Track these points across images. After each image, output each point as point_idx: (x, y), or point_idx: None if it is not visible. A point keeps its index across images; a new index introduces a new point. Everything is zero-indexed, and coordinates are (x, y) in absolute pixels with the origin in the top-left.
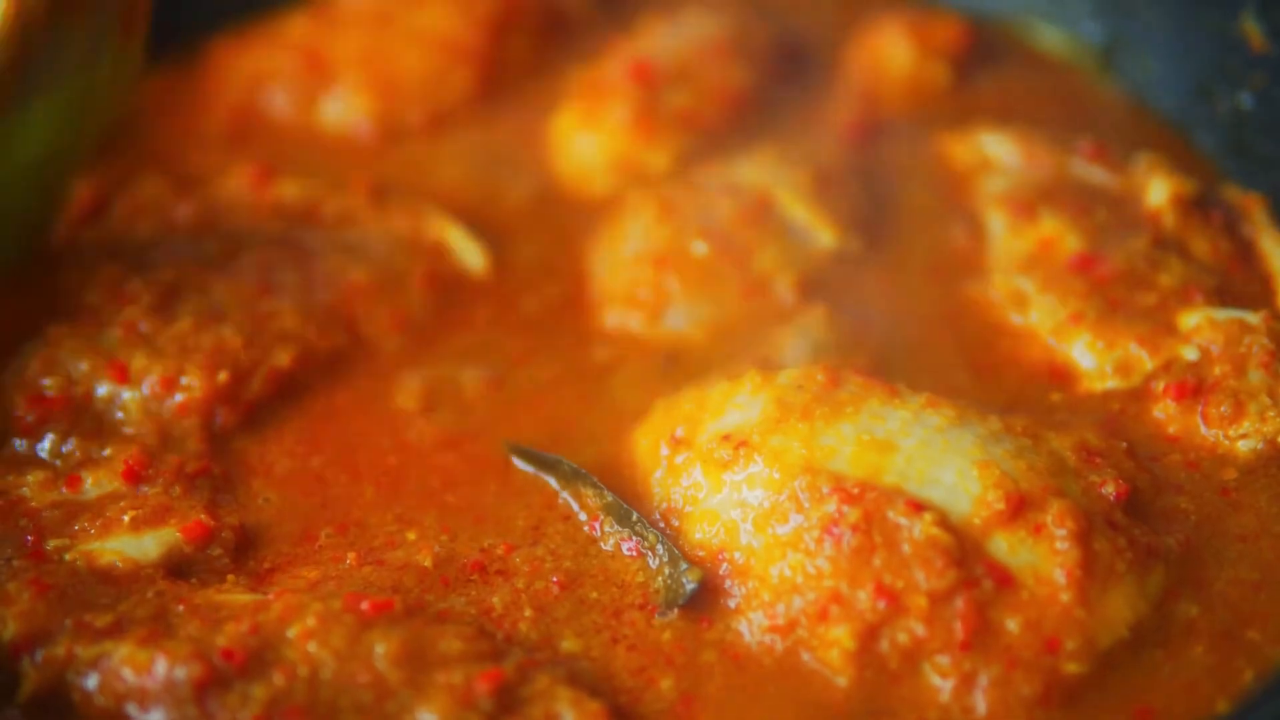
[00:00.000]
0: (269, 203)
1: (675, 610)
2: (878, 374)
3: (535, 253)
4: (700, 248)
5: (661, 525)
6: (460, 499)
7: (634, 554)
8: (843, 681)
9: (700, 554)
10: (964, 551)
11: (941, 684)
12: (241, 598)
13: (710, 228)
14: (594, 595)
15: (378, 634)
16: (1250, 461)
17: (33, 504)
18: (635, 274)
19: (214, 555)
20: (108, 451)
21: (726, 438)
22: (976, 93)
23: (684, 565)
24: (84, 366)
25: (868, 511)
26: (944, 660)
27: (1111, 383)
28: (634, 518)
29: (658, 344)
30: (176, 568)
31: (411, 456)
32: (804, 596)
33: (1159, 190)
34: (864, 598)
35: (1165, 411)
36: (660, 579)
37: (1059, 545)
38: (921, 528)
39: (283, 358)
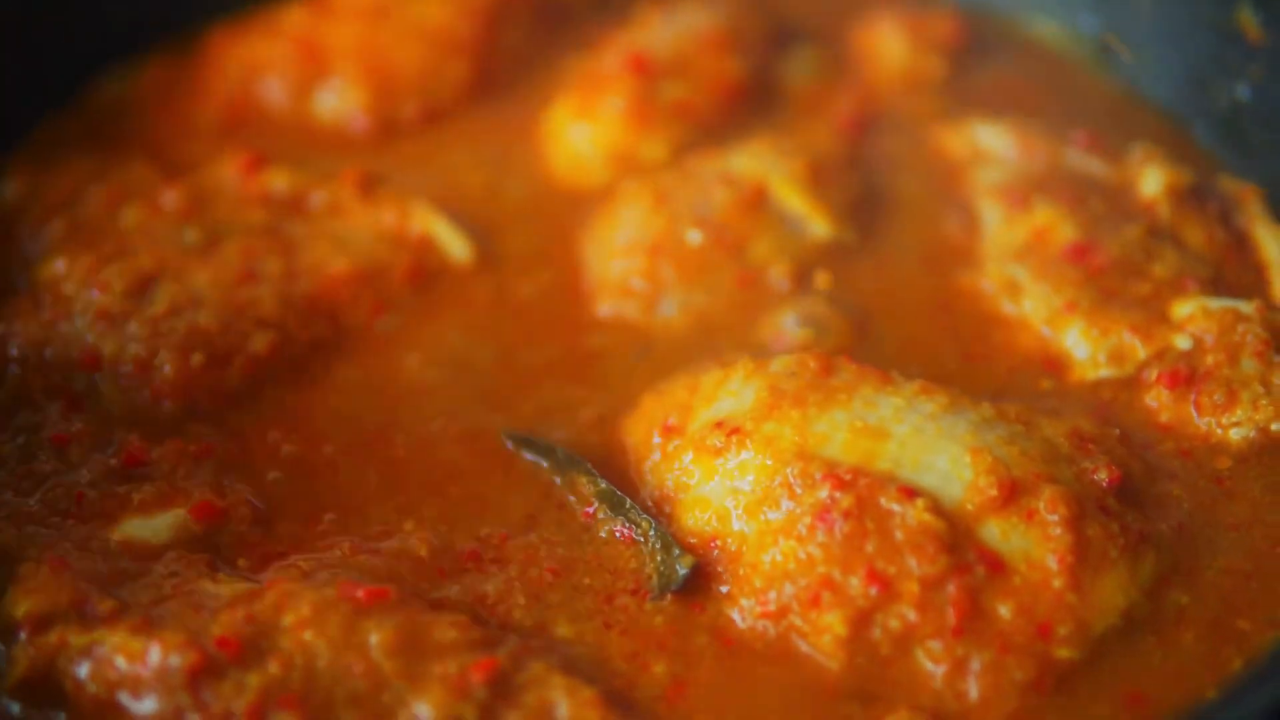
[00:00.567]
0: (257, 192)
1: (668, 596)
2: (871, 362)
3: (530, 243)
4: (695, 237)
5: (654, 512)
6: (463, 490)
7: (627, 541)
8: (835, 667)
9: (693, 541)
10: (956, 537)
11: (934, 669)
12: (236, 586)
13: (705, 217)
14: (587, 582)
15: (372, 622)
16: (1243, 450)
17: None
18: (629, 263)
19: (227, 535)
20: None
21: (719, 425)
22: (972, 84)
23: (677, 551)
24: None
25: (860, 498)
26: (936, 646)
27: (1105, 371)
28: (627, 505)
29: (651, 333)
30: (188, 548)
31: (416, 445)
32: (796, 583)
33: (1154, 180)
34: (856, 584)
35: (1158, 400)
36: (653, 565)
37: (1051, 531)
38: (914, 514)
39: (260, 344)
